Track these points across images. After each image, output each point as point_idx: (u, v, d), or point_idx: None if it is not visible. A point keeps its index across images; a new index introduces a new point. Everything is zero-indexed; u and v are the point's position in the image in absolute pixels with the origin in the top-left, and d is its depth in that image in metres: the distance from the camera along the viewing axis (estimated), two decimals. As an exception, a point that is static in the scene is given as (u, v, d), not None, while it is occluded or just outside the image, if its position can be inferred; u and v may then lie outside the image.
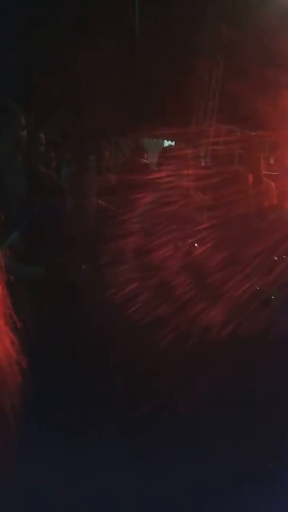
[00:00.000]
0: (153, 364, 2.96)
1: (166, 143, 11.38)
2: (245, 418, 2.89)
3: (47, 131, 5.57)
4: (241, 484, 2.69)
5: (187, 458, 2.78)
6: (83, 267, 2.90)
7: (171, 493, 2.66)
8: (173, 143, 10.33)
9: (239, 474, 2.73)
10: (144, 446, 2.83)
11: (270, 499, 2.61)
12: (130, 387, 3.02)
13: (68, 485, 2.55)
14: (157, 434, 2.90)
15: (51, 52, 10.03)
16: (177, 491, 2.67)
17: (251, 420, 2.88)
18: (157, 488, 2.65)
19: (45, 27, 10.14)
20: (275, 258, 3.11)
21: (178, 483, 2.68)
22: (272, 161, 9.47)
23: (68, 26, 10.23)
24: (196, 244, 3.21)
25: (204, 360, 2.93)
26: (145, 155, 5.74)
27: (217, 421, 2.90)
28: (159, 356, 2.94)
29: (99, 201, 3.21)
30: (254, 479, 2.71)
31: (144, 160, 5.08)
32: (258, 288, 3.01)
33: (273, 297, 3.03)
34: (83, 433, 2.82)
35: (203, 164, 7.13)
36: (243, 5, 10.03)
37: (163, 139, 11.36)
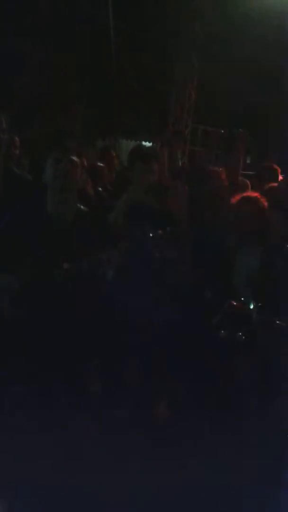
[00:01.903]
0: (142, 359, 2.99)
1: (144, 144, 11.44)
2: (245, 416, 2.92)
3: (22, 133, 5.57)
4: (241, 484, 2.71)
5: (186, 456, 2.81)
6: (64, 266, 2.94)
7: (171, 492, 2.67)
8: (150, 144, 10.39)
9: (239, 474, 2.74)
10: (144, 445, 2.85)
11: (270, 499, 2.64)
12: (120, 383, 3.04)
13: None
14: (156, 433, 2.93)
15: (25, 54, 10.00)
16: (176, 490, 2.69)
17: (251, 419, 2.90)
18: (156, 488, 2.63)
19: (20, 29, 10.10)
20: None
21: (178, 482, 2.71)
22: (248, 160, 9.61)
23: (42, 28, 10.21)
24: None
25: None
26: (114, 155, 5.80)
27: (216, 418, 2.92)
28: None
29: (78, 204, 3.26)
30: (254, 479, 2.72)
31: (99, 163, 5.15)
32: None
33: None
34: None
35: (180, 163, 7.20)
36: (218, 5, 10.11)
37: (141, 140, 11.40)
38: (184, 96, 10.76)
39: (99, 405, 2.98)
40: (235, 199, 3.42)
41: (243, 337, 2.89)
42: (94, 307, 2.91)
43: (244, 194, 3.52)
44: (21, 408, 2.86)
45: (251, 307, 2.91)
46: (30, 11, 9.93)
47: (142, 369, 2.99)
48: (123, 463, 2.71)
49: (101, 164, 5.20)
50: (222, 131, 10.16)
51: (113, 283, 2.96)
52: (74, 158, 3.18)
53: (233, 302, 2.99)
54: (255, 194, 3.52)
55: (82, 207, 3.27)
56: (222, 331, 2.95)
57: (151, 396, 2.97)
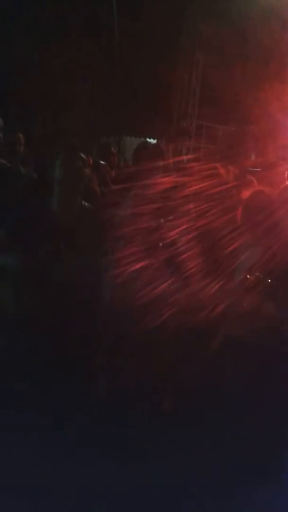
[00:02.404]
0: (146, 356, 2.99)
1: (149, 141, 11.40)
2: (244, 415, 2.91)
3: (27, 132, 5.55)
4: (241, 484, 2.70)
5: (186, 456, 2.79)
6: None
7: (170, 492, 2.65)
8: (155, 140, 10.35)
9: (239, 474, 2.74)
10: (143, 444, 2.84)
11: (270, 499, 2.62)
12: (123, 380, 3.03)
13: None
14: (156, 432, 2.92)
15: (29, 53, 9.99)
16: (176, 490, 2.68)
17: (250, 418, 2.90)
18: (156, 487, 2.64)
19: (23, 28, 10.09)
20: None
21: (177, 482, 2.69)
22: (253, 157, 9.56)
23: (46, 27, 10.19)
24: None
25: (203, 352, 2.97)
26: (112, 152, 5.79)
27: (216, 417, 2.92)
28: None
29: (83, 202, 3.26)
30: (254, 479, 2.72)
31: (101, 162, 5.14)
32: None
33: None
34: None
35: (185, 160, 7.16)
36: (222, 2, 10.07)
37: (145, 137, 11.36)
38: (189, 92, 10.72)
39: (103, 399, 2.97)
40: (245, 193, 3.42)
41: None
42: (96, 300, 2.91)
43: (256, 188, 3.53)
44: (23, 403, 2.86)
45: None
46: (31, 10, 9.91)
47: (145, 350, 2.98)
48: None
49: (103, 162, 5.19)
50: (220, 129, 10.16)
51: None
52: (84, 156, 3.19)
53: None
54: (266, 188, 3.53)
55: (87, 204, 3.27)
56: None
57: (155, 373, 2.97)
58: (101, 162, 5.22)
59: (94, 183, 4.57)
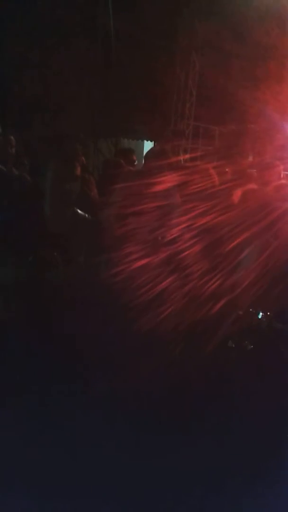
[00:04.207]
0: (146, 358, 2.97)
1: (146, 143, 11.41)
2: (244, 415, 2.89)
3: (22, 134, 5.52)
4: (241, 484, 2.67)
5: (185, 456, 2.76)
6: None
7: (170, 492, 2.63)
8: (151, 143, 10.35)
9: (239, 473, 2.71)
10: (143, 445, 2.81)
11: (270, 499, 2.60)
12: (121, 382, 3.00)
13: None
14: (156, 432, 2.89)
15: (25, 55, 9.98)
16: (176, 490, 2.65)
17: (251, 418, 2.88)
18: (156, 487, 2.63)
19: (19, 30, 10.08)
20: None
21: (177, 482, 2.67)
22: (251, 157, 9.54)
23: (41, 29, 10.18)
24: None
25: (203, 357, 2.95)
26: (134, 157, 5.74)
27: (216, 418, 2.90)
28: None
29: (76, 209, 3.23)
30: (254, 479, 2.70)
31: (121, 161, 5.08)
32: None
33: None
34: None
35: (181, 161, 7.15)
36: (218, 3, 10.07)
37: (142, 139, 11.36)
38: (185, 93, 10.71)
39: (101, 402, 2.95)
40: (242, 193, 3.41)
41: (251, 345, 2.87)
42: (90, 308, 2.88)
43: (249, 187, 3.52)
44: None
45: (260, 316, 2.89)
46: (27, 11, 9.90)
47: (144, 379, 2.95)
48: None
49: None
50: (217, 130, 10.15)
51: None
52: (74, 164, 3.14)
53: (240, 312, 2.98)
54: (262, 187, 3.52)
55: (81, 212, 3.24)
56: (230, 341, 2.93)
57: (155, 406, 2.94)
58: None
59: (91, 185, 4.53)
